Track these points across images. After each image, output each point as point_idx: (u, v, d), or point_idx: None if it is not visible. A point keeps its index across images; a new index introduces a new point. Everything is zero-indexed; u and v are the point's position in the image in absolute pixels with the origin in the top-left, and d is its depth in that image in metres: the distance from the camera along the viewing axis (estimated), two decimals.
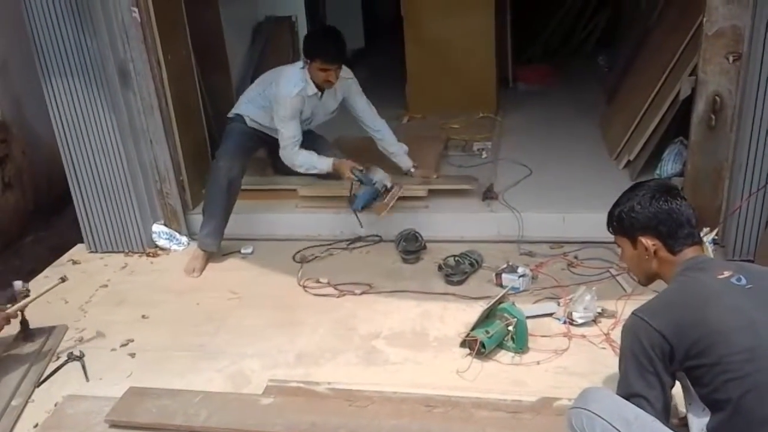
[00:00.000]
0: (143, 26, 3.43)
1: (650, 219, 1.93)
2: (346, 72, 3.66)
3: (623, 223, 2.00)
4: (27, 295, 2.91)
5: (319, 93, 3.60)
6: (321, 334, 2.95)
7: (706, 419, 1.70)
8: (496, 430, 2.23)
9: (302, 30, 5.74)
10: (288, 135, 3.57)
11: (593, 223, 3.43)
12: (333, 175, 3.66)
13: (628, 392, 1.77)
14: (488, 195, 3.69)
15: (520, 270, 3.14)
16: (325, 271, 3.42)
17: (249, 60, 5.27)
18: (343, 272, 3.39)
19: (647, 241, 1.94)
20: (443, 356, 2.72)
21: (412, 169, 3.85)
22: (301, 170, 3.65)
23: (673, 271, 1.89)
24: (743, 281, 1.75)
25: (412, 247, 3.45)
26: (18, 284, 2.95)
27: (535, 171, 3.99)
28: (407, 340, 2.85)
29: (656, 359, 1.72)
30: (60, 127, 3.57)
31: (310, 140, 3.76)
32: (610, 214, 2.06)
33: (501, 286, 3.11)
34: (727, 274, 1.78)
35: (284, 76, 3.58)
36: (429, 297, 3.13)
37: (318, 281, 3.33)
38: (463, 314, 2.95)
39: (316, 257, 3.54)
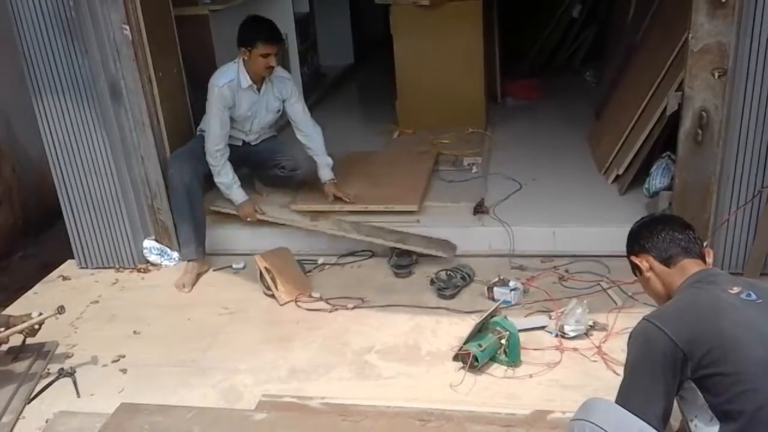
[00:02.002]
0: (134, 44, 3.45)
1: (635, 238, 2.02)
2: (283, 72, 3.82)
3: (627, 254, 2.06)
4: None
5: (256, 86, 3.66)
6: (313, 349, 2.95)
7: (715, 429, 1.70)
8: None
9: (292, 47, 5.78)
10: (213, 135, 3.59)
11: (583, 237, 3.51)
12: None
13: (630, 398, 1.76)
14: (479, 209, 3.71)
15: (512, 284, 3.16)
16: (317, 285, 3.43)
17: None
18: (335, 287, 3.39)
19: (640, 261, 1.99)
20: (436, 370, 2.73)
21: (329, 181, 3.84)
22: (216, 181, 3.70)
23: (679, 284, 1.89)
24: (753, 296, 1.76)
25: (404, 261, 3.46)
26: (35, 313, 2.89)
27: (525, 185, 4.02)
28: (400, 355, 2.85)
29: (666, 367, 1.70)
30: (51, 144, 3.57)
31: (277, 149, 3.91)
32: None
33: (493, 299, 3.12)
34: (737, 290, 1.78)
35: (217, 71, 3.67)
36: (421, 311, 3.14)
37: (310, 296, 3.33)
38: (455, 328, 2.97)
39: (308, 272, 3.54)
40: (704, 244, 2.03)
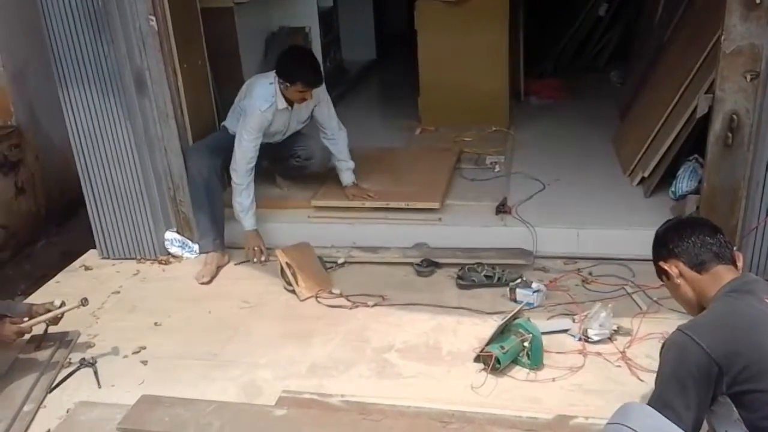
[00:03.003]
0: (160, 35, 3.45)
1: (663, 243, 1.97)
2: None
3: (654, 259, 2.01)
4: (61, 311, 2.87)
5: (290, 107, 3.67)
6: (333, 345, 2.94)
7: None
8: None
9: (316, 41, 5.77)
10: (246, 156, 3.56)
11: (607, 239, 3.47)
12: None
13: (661, 410, 1.72)
14: (501, 209, 3.68)
15: (535, 285, 3.12)
16: (337, 282, 3.42)
17: (262, 70, 5.27)
18: (355, 284, 3.38)
19: (669, 266, 1.94)
20: (457, 371, 2.71)
21: (351, 185, 3.89)
22: (235, 200, 3.65)
23: (713, 292, 1.85)
24: None
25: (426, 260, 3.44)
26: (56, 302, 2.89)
27: (549, 186, 3.98)
28: (420, 354, 2.84)
29: (700, 380, 1.67)
30: (75, 134, 3.58)
31: (295, 140, 3.92)
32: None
33: (515, 301, 3.10)
34: None
35: (256, 89, 3.63)
36: (442, 311, 3.11)
37: (330, 292, 3.32)
38: (476, 328, 2.94)
39: (329, 268, 3.53)
40: (734, 248, 1.99)
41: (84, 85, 3.48)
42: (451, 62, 4.99)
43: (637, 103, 4.66)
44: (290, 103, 3.64)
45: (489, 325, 2.87)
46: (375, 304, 3.20)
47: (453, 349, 2.84)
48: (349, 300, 3.24)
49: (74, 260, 3.83)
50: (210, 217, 3.67)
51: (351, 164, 3.91)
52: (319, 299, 3.28)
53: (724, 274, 1.86)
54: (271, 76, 3.61)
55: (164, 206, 3.77)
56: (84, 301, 2.87)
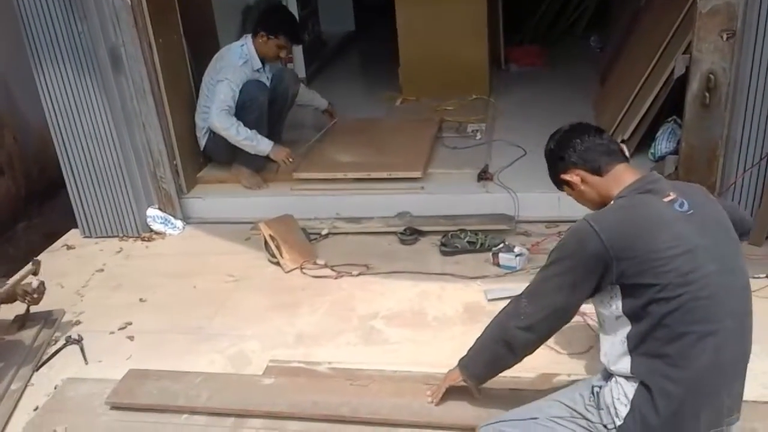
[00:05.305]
0: (134, 10, 3.41)
1: (558, 156, 2.01)
2: None
3: (551, 173, 2.07)
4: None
5: (262, 67, 3.80)
6: (320, 315, 2.96)
7: (628, 328, 1.78)
8: (499, 407, 2.24)
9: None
10: (222, 98, 3.66)
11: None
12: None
13: (543, 282, 1.90)
14: (483, 176, 3.70)
15: (517, 249, 3.15)
16: (322, 253, 3.43)
17: None
18: (339, 254, 3.39)
19: (571, 176, 1.99)
20: (442, 335, 2.74)
21: (327, 104, 4.29)
22: (236, 139, 3.71)
23: (616, 191, 1.90)
24: (686, 206, 1.80)
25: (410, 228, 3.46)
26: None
27: (530, 151, 3.98)
28: (406, 320, 2.86)
29: (590, 268, 1.78)
30: (52, 113, 3.54)
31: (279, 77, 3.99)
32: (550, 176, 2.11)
33: (498, 265, 3.13)
34: (672, 196, 1.82)
35: (228, 53, 3.78)
36: (426, 277, 3.14)
37: (315, 263, 3.33)
38: (460, 293, 2.98)
39: (313, 239, 3.54)
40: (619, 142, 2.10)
41: (58, 64, 3.44)
42: (430, 32, 4.95)
43: (617, 66, 4.66)
44: (263, 63, 3.76)
45: (473, 290, 2.91)
46: (359, 274, 3.21)
47: (438, 315, 2.87)
48: (333, 270, 3.26)
49: (56, 241, 3.81)
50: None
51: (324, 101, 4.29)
52: (303, 270, 3.29)
53: (624, 173, 1.92)
54: (242, 39, 3.75)
55: (145, 183, 3.75)
56: (34, 263, 2.87)
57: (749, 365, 1.82)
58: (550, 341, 2.54)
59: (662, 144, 3.59)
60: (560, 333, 2.59)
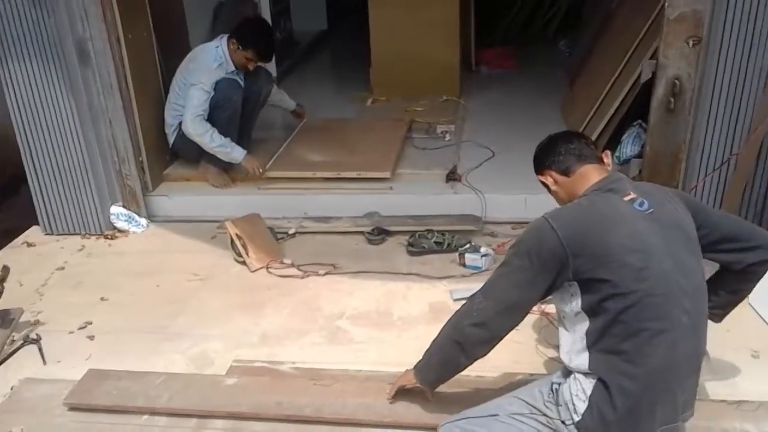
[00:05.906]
0: (103, 4, 3.37)
1: (538, 160, 2.11)
2: None
3: (537, 175, 2.14)
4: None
5: (236, 71, 3.80)
6: (285, 314, 2.93)
7: (586, 324, 1.81)
8: (461, 406, 2.25)
9: (265, 10, 5.67)
10: (196, 104, 3.64)
11: (554, 204, 3.48)
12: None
13: (500, 277, 1.93)
14: (452, 177, 3.71)
15: (483, 250, 3.17)
16: (289, 252, 3.40)
17: (210, 40, 5.17)
18: (306, 254, 3.37)
19: (545, 178, 2.08)
20: (407, 335, 2.73)
21: (296, 105, 4.35)
22: (210, 146, 3.70)
23: (581, 190, 1.96)
24: (645, 206, 1.84)
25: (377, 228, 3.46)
26: None
27: (498, 153, 4.01)
28: (371, 320, 2.85)
29: (546, 265, 1.81)
30: (15, 107, 3.47)
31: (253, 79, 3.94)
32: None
33: (464, 265, 3.14)
34: (632, 195, 1.86)
35: (203, 53, 3.75)
36: (393, 277, 3.14)
37: (281, 262, 3.30)
38: (426, 293, 2.98)
39: (280, 239, 3.51)
40: (601, 149, 2.14)
41: (23, 57, 3.37)
42: (402, 33, 4.97)
43: (585, 70, 4.71)
44: (236, 66, 3.76)
45: (438, 290, 2.92)
46: (326, 273, 3.20)
47: (403, 314, 2.87)
48: (300, 269, 3.24)
49: (16, 237, 3.72)
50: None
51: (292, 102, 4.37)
52: (270, 270, 3.26)
53: (590, 173, 1.97)
54: (217, 40, 3.73)
55: (110, 180, 3.69)
56: (4, 269, 2.84)
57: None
58: (511, 341, 2.58)
59: (627, 147, 3.64)
60: (522, 333, 2.64)
